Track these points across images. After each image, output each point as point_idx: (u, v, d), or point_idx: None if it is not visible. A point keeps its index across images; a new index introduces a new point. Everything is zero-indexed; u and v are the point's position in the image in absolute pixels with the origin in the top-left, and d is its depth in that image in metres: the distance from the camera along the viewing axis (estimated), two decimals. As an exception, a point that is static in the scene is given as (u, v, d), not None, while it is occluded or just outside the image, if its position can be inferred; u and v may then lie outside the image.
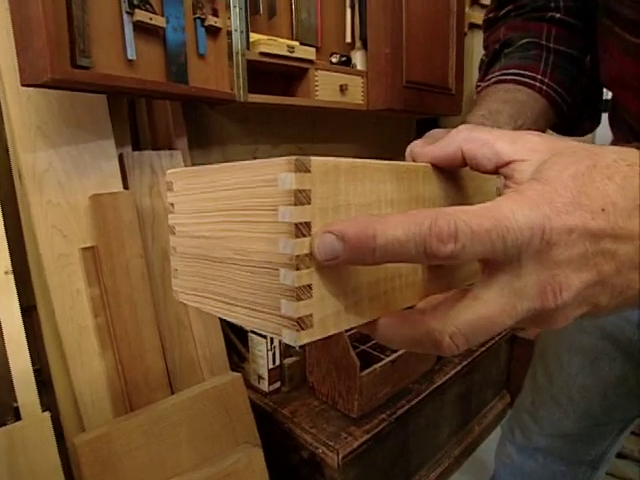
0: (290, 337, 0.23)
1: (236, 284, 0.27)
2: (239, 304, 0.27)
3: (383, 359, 1.21)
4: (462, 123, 0.51)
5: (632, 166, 0.24)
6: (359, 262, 0.23)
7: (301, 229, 0.23)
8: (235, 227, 0.26)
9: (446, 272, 0.34)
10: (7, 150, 0.98)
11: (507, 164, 0.27)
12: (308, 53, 1.31)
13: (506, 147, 0.27)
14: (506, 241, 0.22)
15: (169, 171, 0.32)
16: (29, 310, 1.02)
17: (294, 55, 1.28)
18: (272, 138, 1.53)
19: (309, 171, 0.23)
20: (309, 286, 0.23)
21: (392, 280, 0.29)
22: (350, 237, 0.22)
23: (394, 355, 1.23)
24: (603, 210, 0.23)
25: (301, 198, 0.22)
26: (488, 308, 0.24)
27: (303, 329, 0.23)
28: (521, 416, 0.88)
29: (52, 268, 0.96)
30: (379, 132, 1.92)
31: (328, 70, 1.39)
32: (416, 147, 0.32)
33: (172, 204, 0.32)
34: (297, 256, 0.22)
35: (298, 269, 0.22)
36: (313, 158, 0.23)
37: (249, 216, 0.25)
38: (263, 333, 0.25)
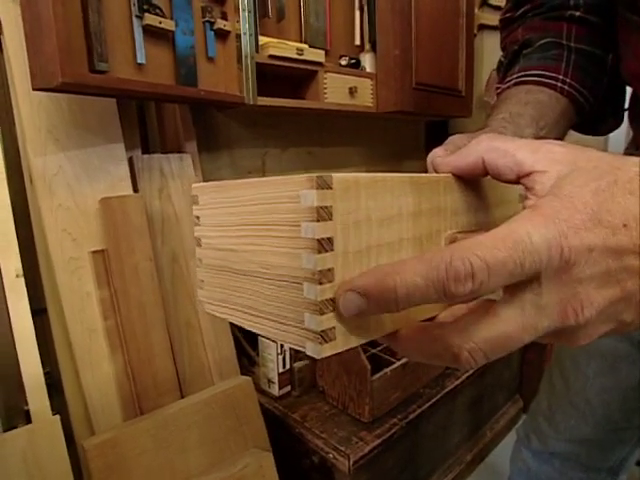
0: (314, 350, 0.24)
1: (261, 297, 0.27)
2: (265, 316, 0.27)
3: (394, 363, 1.20)
4: (478, 128, 0.51)
5: None
6: (384, 312, 0.24)
7: (323, 244, 0.23)
8: (259, 241, 0.27)
9: None
10: (18, 152, 0.99)
11: (528, 175, 0.27)
12: (317, 56, 1.31)
13: (528, 157, 0.27)
14: (524, 267, 0.22)
15: (194, 185, 0.33)
16: (39, 313, 1.02)
17: (303, 58, 1.28)
18: (281, 141, 1.53)
19: (330, 188, 0.23)
20: (332, 300, 0.24)
21: None
22: (372, 293, 0.23)
23: (405, 359, 1.21)
24: (625, 226, 0.23)
25: (323, 214, 0.23)
26: (508, 326, 0.24)
27: (326, 342, 0.24)
28: (537, 420, 0.86)
29: (62, 271, 0.96)
30: (388, 134, 1.92)
31: (337, 73, 1.38)
32: (437, 157, 0.32)
33: (197, 217, 0.33)
34: (320, 271, 0.23)
35: (321, 283, 0.23)
36: (334, 175, 0.23)
37: (272, 231, 0.26)
38: (288, 345, 0.26)
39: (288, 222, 0.25)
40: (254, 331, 0.29)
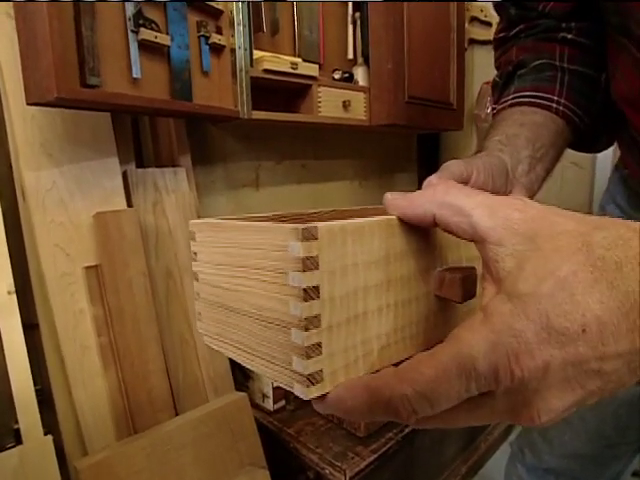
0: (301, 391, 0.25)
1: (253, 336, 0.28)
2: (257, 354, 0.28)
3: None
4: (476, 151, 0.51)
5: (627, 251, 0.21)
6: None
7: (310, 293, 0.24)
8: (250, 284, 0.28)
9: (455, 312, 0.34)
10: (10, 167, 0.98)
11: (482, 241, 0.25)
12: (311, 70, 1.31)
13: (483, 221, 0.25)
14: (470, 391, 0.22)
15: (191, 222, 0.34)
16: (30, 328, 1.00)
17: (297, 72, 1.28)
18: (275, 154, 1.53)
19: (316, 239, 0.24)
20: (318, 344, 0.24)
21: (403, 330, 0.30)
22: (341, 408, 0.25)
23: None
24: (584, 331, 0.21)
25: (309, 264, 0.24)
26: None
27: (313, 384, 0.25)
28: (531, 435, 0.87)
29: (55, 287, 0.95)
30: (381, 147, 1.93)
31: (331, 86, 1.39)
32: (388, 198, 0.30)
33: (195, 253, 0.34)
34: (306, 318, 0.24)
35: (307, 330, 0.24)
36: (320, 225, 0.24)
37: (263, 275, 0.27)
38: (279, 385, 0.27)
39: (277, 269, 0.25)
40: (251, 368, 0.29)
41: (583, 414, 0.77)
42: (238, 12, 1.17)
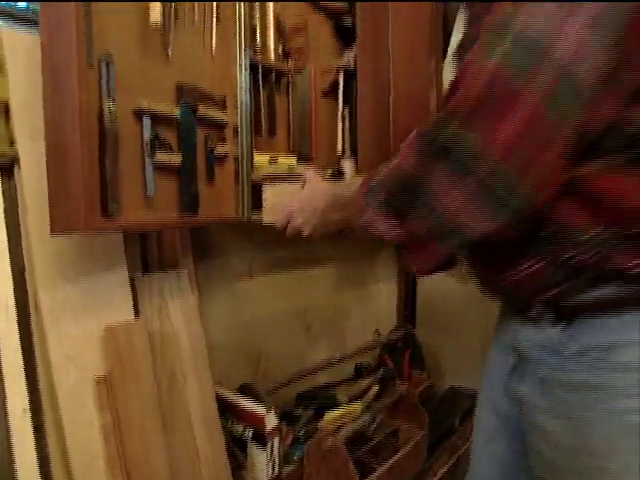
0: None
1: None
2: None
3: (377, 468, 1.26)
4: None
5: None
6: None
7: None
8: None
9: None
10: (23, 275, 1.00)
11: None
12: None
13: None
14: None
15: None
16: (37, 429, 1.02)
17: (294, 172, 1.38)
18: (268, 246, 1.60)
19: None
20: None
21: None
22: None
23: (390, 462, 1.28)
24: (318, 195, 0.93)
25: None
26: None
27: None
28: None
29: (65, 397, 0.98)
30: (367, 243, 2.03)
31: (322, 183, 1.49)
32: None
33: None
34: None
35: None
36: None
37: None
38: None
39: None
40: None
41: (479, 468, 0.86)
42: (242, 123, 1.26)
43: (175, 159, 1.08)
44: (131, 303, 1.10)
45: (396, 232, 0.66)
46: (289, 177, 1.35)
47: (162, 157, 1.05)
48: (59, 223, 0.88)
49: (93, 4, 0.88)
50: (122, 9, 0.97)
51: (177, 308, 1.16)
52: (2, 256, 0.94)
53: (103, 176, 0.93)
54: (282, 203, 1.01)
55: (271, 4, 1.40)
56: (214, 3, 1.21)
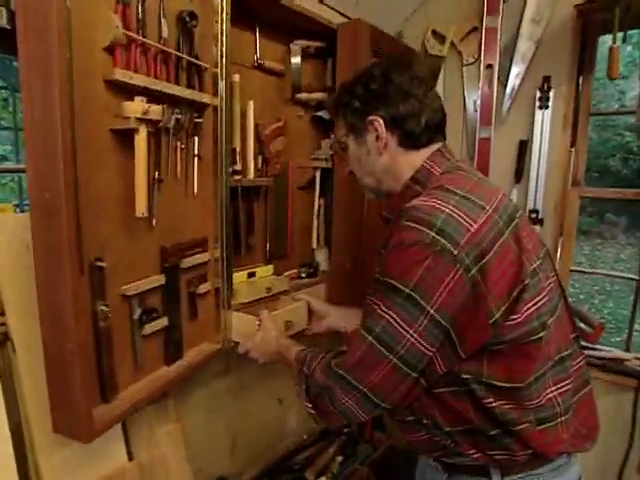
0: None
1: None
2: None
3: None
4: None
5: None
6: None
7: None
8: None
9: None
10: (22, 443, 1.09)
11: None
12: (282, 284, 1.50)
13: None
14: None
15: None
16: None
17: (271, 288, 1.46)
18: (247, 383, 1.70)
19: None
20: None
21: None
22: None
23: None
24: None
25: None
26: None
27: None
28: None
29: None
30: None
31: (296, 290, 1.57)
32: None
33: None
34: None
35: None
36: None
37: None
38: None
39: None
40: None
41: None
42: (222, 256, 1.31)
43: (162, 323, 1.15)
44: (123, 442, 1.21)
45: (310, 407, 0.98)
46: (264, 298, 1.44)
47: (150, 329, 1.12)
48: (61, 427, 0.96)
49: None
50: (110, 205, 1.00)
51: (164, 436, 1.29)
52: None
53: (100, 365, 1.01)
54: (245, 332, 1.30)
55: (252, 120, 1.42)
56: (195, 139, 1.22)
